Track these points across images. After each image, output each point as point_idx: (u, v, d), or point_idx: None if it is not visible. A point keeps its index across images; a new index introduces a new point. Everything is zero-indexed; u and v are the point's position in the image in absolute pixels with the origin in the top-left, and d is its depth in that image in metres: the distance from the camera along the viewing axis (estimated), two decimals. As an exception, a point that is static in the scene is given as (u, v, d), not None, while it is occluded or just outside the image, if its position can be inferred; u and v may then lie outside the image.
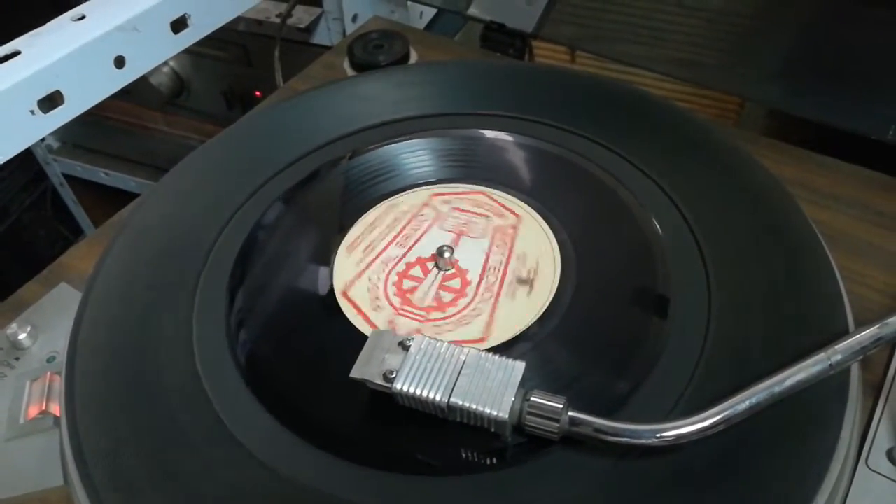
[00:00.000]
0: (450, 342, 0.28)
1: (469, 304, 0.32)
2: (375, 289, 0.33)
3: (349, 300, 0.32)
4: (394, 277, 0.34)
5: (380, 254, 0.34)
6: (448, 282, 0.33)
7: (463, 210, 0.37)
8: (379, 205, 0.37)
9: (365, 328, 0.31)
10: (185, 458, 0.27)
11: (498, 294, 0.33)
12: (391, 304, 0.32)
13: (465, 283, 0.33)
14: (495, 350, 0.29)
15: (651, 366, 0.29)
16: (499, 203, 0.37)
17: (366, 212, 0.37)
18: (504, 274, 0.33)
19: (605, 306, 0.32)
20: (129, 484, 0.27)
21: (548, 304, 0.32)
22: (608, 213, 0.36)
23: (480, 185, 0.38)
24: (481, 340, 0.31)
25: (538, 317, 0.31)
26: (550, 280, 0.33)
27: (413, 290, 0.33)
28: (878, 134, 0.44)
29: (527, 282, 0.33)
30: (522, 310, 0.32)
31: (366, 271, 0.34)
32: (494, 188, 0.38)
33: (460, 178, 0.38)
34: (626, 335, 0.31)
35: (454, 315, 0.32)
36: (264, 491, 0.26)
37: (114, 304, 0.33)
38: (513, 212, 0.36)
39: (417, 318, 0.32)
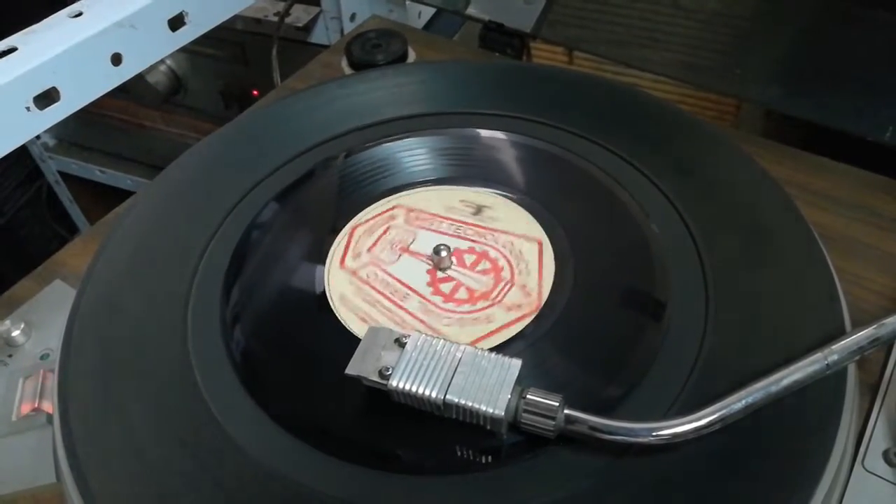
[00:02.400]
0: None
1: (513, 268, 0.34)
2: (428, 309, 0.32)
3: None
4: (439, 299, 0.33)
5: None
6: (477, 266, 0.34)
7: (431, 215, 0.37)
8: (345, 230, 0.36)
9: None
10: (179, 456, 0.27)
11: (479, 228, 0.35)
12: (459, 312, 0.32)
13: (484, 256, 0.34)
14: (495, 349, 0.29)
15: (648, 365, 0.29)
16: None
17: (337, 234, 0.36)
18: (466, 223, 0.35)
19: (603, 305, 0.32)
20: (123, 482, 0.27)
21: (544, 302, 0.32)
22: (606, 212, 0.36)
23: (476, 185, 0.38)
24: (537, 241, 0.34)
25: (535, 316, 0.31)
26: (507, 206, 0.34)
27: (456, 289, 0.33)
28: (875, 135, 0.44)
29: (480, 208, 0.35)
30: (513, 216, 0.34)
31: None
32: (489, 188, 0.38)
33: (456, 179, 0.38)
34: (624, 334, 0.31)
35: (511, 278, 0.33)
36: (259, 490, 0.26)
37: (108, 302, 0.33)
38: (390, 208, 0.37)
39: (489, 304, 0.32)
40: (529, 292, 0.32)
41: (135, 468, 0.27)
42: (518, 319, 0.31)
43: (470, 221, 0.36)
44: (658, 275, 0.32)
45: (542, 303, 0.32)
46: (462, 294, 0.33)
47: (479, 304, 0.32)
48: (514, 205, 0.36)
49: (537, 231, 0.35)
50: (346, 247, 0.35)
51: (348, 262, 0.35)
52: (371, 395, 0.28)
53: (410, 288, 0.33)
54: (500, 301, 0.32)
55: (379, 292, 0.33)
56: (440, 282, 0.34)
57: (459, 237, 0.35)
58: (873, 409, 0.32)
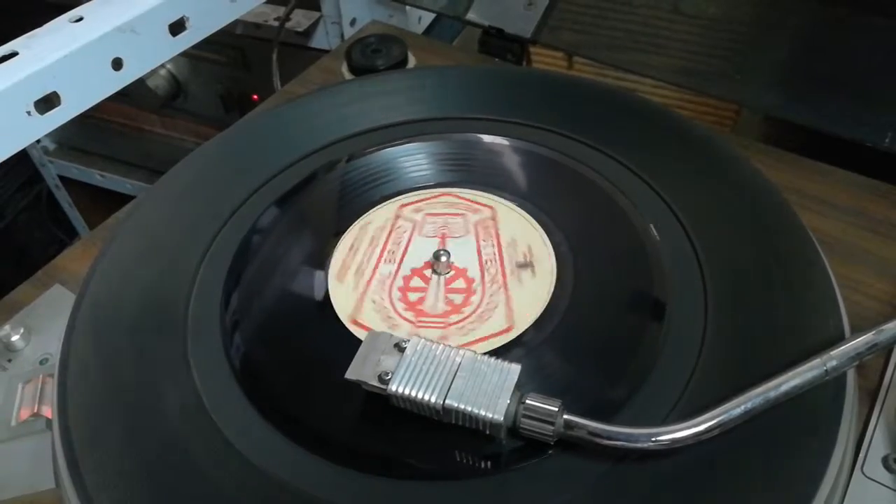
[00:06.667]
0: (479, 339, 0.29)
1: (482, 299, 0.32)
2: (383, 308, 0.32)
3: (361, 325, 0.32)
4: (397, 293, 0.33)
5: (372, 275, 0.34)
6: (452, 283, 0.33)
7: (437, 214, 0.36)
8: (350, 228, 0.36)
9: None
10: (178, 460, 0.27)
11: (505, 283, 0.33)
12: (406, 320, 0.32)
13: (470, 281, 0.33)
14: (493, 352, 0.29)
15: (647, 370, 0.29)
16: (468, 200, 0.37)
17: (342, 234, 0.36)
18: (502, 262, 0.34)
19: (602, 311, 0.32)
20: (121, 486, 0.27)
21: (544, 307, 0.32)
22: (606, 218, 0.36)
23: (449, 186, 0.38)
24: (509, 329, 0.31)
25: (535, 319, 0.31)
26: (549, 274, 0.33)
27: (421, 300, 0.33)
28: (874, 141, 0.44)
29: (527, 265, 0.33)
30: (536, 291, 0.32)
31: (366, 294, 0.33)
32: (490, 191, 0.38)
33: (457, 182, 0.38)
34: (623, 340, 0.31)
35: (472, 313, 0.32)
36: (257, 494, 0.26)
37: (108, 306, 0.33)
38: (484, 205, 0.37)
39: (438, 325, 0.32)
40: (536, 275, 0.33)
41: (134, 474, 0.27)
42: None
43: (505, 269, 0.34)
44: (657, 280, 0.32)
45: (543, 306, 0.32)
46: (412, 296, 0.33)
47: (404, 314, 0.32)
48: (551, 275, 0.33)
49: (529, 312, 0.32)
50: (425, 200, 0.36)
51: (408, 210, 0.36)
52: (370, 400, 0.28)
53: (401, 260, 0.34)
54: (416, 325, 0.32)
55: (385, 242, 0.34)
56: (420, 276, 0.34)
57: (482, 268, 0.34)
58: (872, 415, 0.32)
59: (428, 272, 0.34)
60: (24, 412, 0.34)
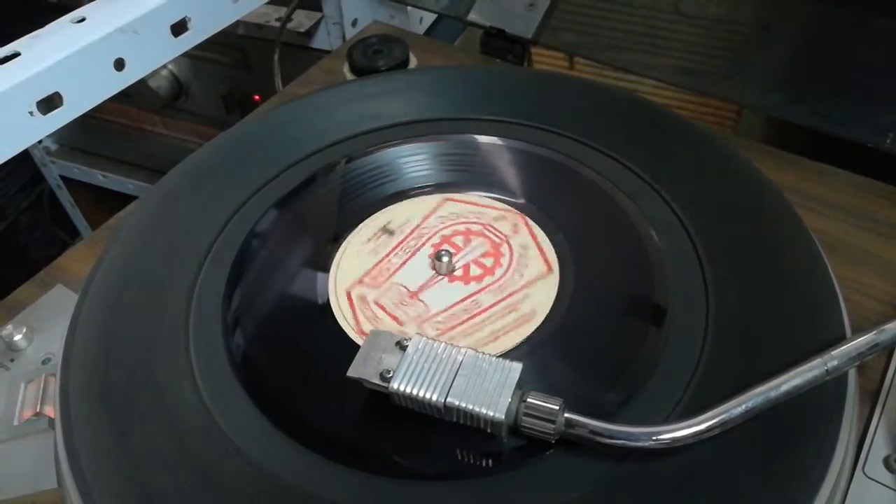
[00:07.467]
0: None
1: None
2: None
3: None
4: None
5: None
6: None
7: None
8: (360, 225, 0.37)
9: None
10: (180, 461, 0.27)
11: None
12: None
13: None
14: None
15: (649, 370, 0.29)
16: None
17: (346, 232, 0.36)
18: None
19: (604, 311, 0.32)
20: (123, 487, 0.27)
21: (548, 307, 0.32)
22: (607, 219, 0.36)
23: (450, 188, 0.38)
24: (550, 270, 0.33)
25: (539, 320, 0.31)
26: (551, 273, 0.33)
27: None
28: (875, 142, 0.44)
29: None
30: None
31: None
32: (491, 193, 0.38)
33: (457, 183, 0.39)
34: (625, 340, 0.31)
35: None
36: (259, 494, 0.26)
37: (110, 307, 0.33)
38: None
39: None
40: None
41: (136, 474, 0.27)
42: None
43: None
44: (659, 281, 0.32)
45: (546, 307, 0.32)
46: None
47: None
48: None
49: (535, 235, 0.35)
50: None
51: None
52: (372, 398, 0.28)
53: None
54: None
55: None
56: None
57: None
58: (874, 416, 0.32)
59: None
60: (26, 412, 0.34)
